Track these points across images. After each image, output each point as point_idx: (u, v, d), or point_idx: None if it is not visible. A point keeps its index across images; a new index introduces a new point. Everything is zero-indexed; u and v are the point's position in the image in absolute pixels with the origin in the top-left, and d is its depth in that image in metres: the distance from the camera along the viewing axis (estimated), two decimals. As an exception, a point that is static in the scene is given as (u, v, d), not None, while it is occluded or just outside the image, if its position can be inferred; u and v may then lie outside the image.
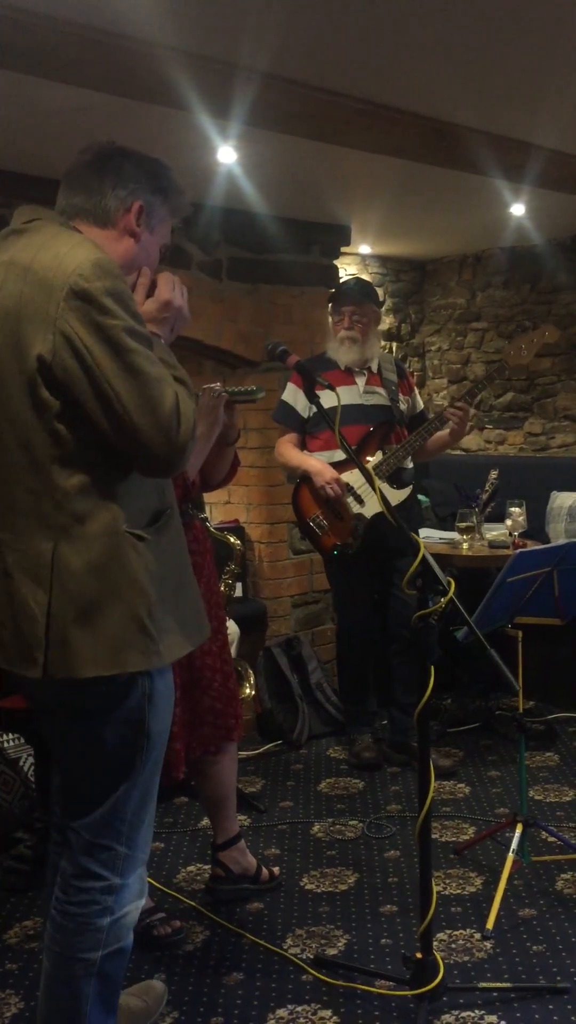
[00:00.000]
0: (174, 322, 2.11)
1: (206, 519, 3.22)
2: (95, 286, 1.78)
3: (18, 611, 1.86)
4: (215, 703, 2.90)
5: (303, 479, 4.06)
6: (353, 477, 3.94)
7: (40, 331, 1.79)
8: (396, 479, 4.02)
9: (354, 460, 2.59)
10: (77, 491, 1.83)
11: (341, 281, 4.75)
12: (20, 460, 1.85)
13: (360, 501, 3.96)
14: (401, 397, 4.16)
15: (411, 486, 4.10)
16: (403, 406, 4.16)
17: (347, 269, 5.51)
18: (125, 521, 1.86)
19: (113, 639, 1.85)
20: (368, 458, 3.98)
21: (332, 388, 2.67)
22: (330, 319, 4.25)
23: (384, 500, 2.44)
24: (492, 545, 4.28)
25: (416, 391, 4.33)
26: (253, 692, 4.06)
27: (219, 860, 3.06)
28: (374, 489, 2.42)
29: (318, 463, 3.99)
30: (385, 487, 3.95)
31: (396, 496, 3.99)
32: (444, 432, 4.04)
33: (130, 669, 1.88)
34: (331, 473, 3.93)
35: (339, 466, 3.97)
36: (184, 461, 1.89)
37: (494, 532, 4.40)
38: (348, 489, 3.95)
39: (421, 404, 4.33)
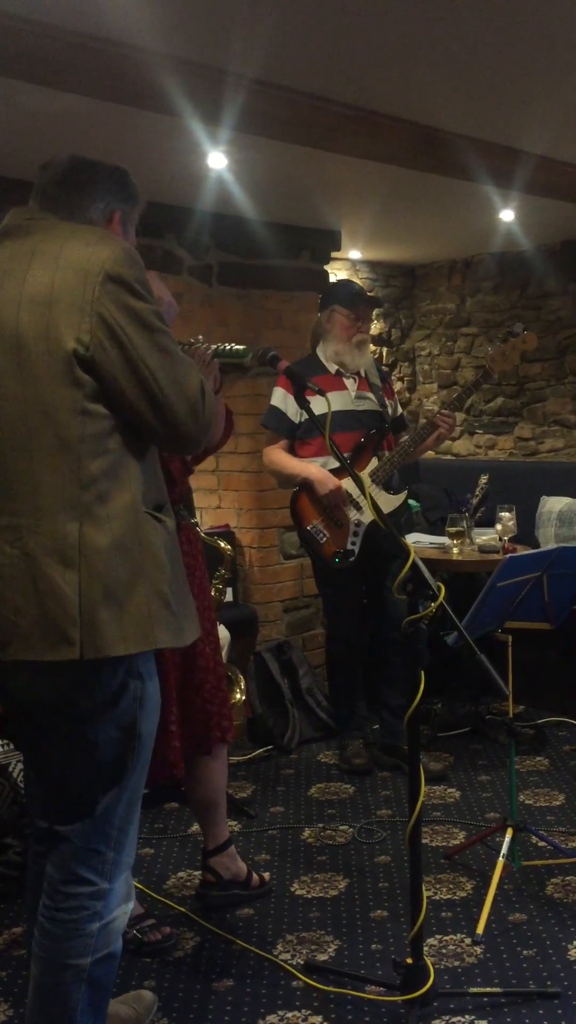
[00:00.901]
0: (168, 317, 2.17)
1: (196, 524, 3.21)
2: (129, 272, 1.88)
3: (45, 594, 1.86)
4: (207, 704, 2.89)
5: (302, 486, 4.04)
6: (352, 484, 3.93)
7: (76, 314, 1.85)
8: (390, 484, 4.03)
9: (345, 467, 2.55)
10: (102, 472, 1.88)
11: (343, 281, 4.64)
12: (48, 442, 1.87)
13: (358, 508, 3.95)
14: (387, 402, 4.17)
15: (406, 490, 4.12)
16: (389, 410, 4.17)
17: (337, 274, 5.52)
18: (142, 502, 1.92)
19: (142, 616, 1.89)
20: (368, 464, 3.98)
21: (322, 393, 2.62)
22: (335, 319, 4.08)
23: (375, 506, 2.44)
24: (482, 550, 4.29)
25: (396, 395, 4.33)
26: (243, 697, 4.06)
27: (209, 866, 3.05)
28: (364, 495, 2.42)
29: (319, 471, 3.95)
30: (381, 493, 3.96)
31: (393, 501, 4.01)
32: (431, 437, 4.07)
33: (160, 645, 1.92)
34: (334, 481, 3.91)
35: (335, 473, 3.96)
36: (206, 439, 2.03)
37: (484, 537, 4.41)
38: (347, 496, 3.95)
39: (400, 408, 4.34)
